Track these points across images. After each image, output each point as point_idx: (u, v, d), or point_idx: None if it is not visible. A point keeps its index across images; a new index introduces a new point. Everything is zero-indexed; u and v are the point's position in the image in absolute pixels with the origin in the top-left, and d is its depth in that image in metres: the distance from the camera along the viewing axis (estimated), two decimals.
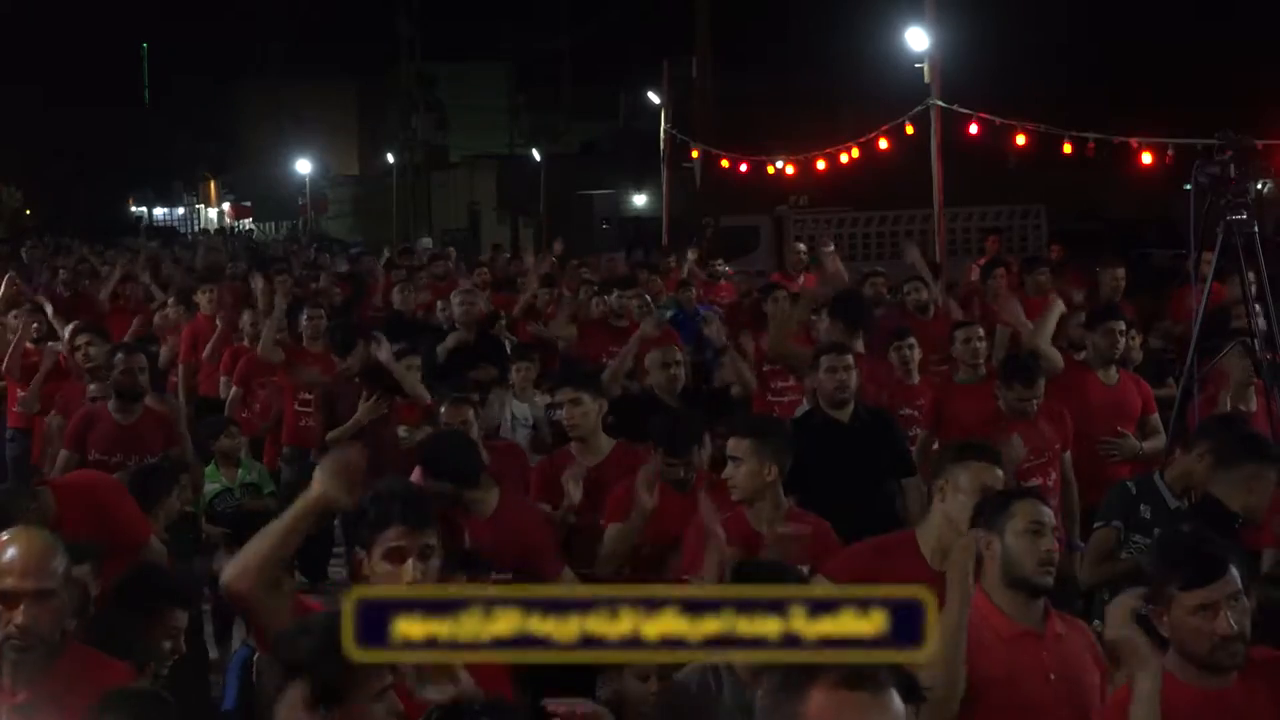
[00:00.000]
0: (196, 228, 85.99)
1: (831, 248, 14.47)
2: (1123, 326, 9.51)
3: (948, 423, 9.47)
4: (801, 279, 16.54)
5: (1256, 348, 8.90)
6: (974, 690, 4.87)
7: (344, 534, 6.97)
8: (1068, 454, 8.73)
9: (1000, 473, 5.82)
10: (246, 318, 13.56)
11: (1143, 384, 9.69)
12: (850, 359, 8.65)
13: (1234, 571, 4.53)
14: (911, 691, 3.33)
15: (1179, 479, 7.15)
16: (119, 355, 9.79)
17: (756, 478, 6.49)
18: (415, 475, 8.98)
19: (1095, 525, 7.40)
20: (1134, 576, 6.84)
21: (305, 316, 12.64)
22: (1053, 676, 4.96)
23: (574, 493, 7.52)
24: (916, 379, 10.43)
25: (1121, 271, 12.57)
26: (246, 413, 12.31)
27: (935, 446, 9.37)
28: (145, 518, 7.91)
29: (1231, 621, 4.44)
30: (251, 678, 6.55)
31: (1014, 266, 15.43)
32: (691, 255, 19.60)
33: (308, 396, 11.91)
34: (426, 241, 34.79)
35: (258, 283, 15.57)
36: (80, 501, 7.65)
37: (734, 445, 6.57)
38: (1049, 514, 5.15)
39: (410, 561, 4.63)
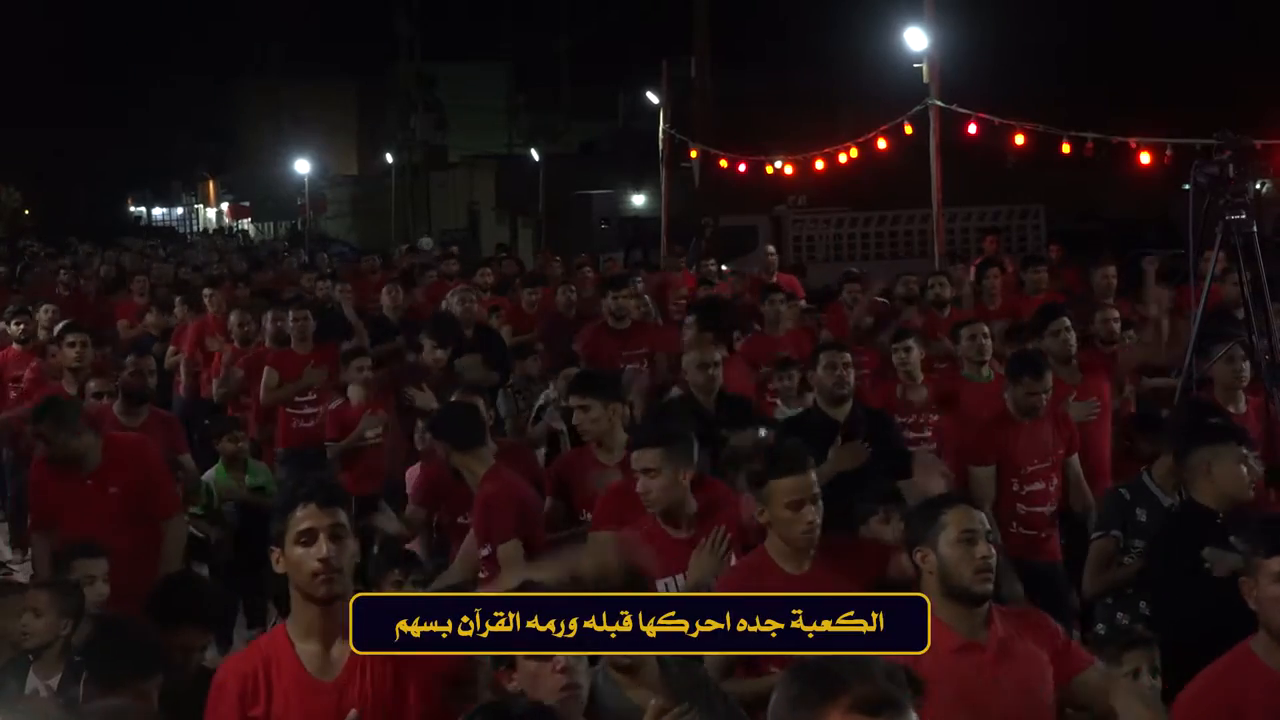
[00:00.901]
0: (196, 228, 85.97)
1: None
2: (1068, 324, 9.50)
3: (955, 419, 9.45)
4: (774, 280, 16.54)
5: (1255, 348, 8.89)
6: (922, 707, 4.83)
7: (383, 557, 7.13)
8: (1074, 457, 8.68)
9: (814, 477, 5.76)
10: (234, 318, 13.48)
11: (1108, 378, 9.68)
12: (849, 356, 8.64)
13: None
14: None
15: (1167, 477, 7.16)
16: (130, 356, 9.85)
17: (674, 487, 6.37)
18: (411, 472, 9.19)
19: (1094, 536, 7.37)
20: (1137, 582, 6.88)
21: (291, 318, 12.40)
22: (998, 682, 4.89)
23: None
24: (919, 378, 10.39)
25: (1113, 269, 12.56)
26: (245, 414, 12.27)
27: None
28: (177, 493, 8.14)
29: None
30: None
31: (1010, 266, 15.42)
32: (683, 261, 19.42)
33: (301, 399, 11.91)
34: (427, 241, 34.69)
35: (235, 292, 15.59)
36: (127, 456, 8.06)
37: (643, 457, 6.41)
38: (982, 519, 5.07)
39: (321, 539, 4.58)
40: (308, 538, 4.59)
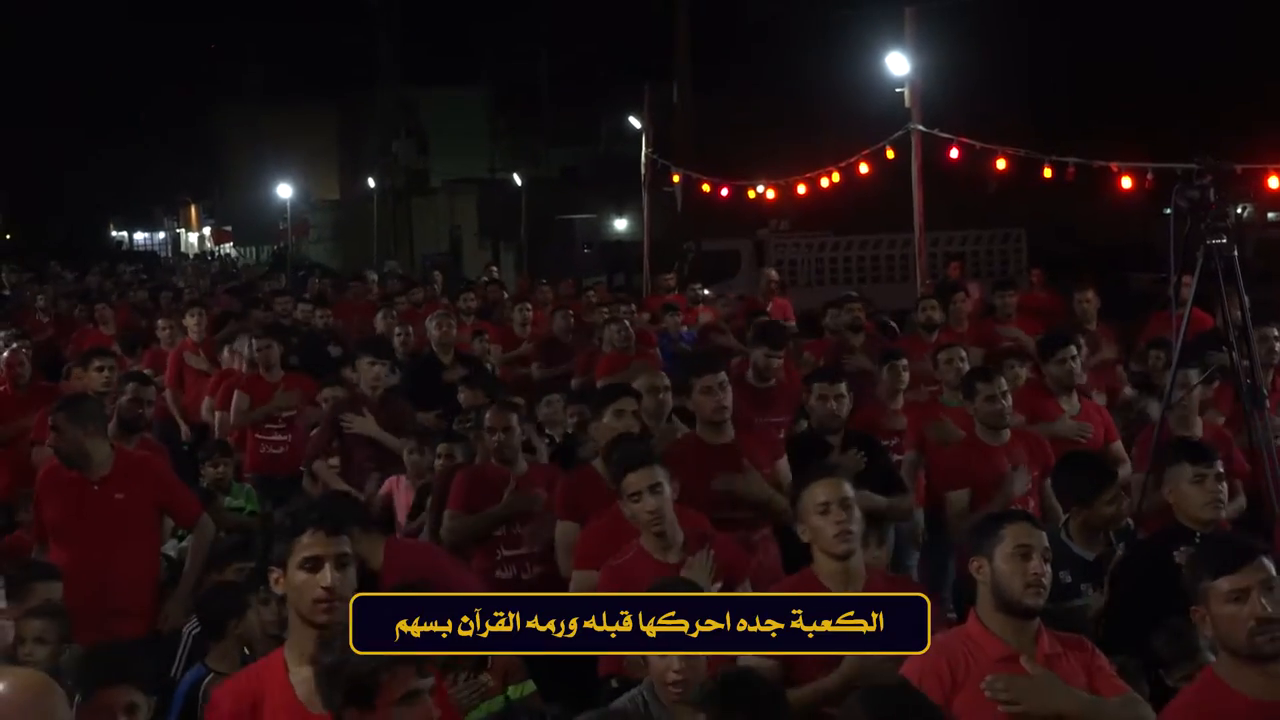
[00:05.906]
0: (177, 253, 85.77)
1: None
2: (1074, 353, 9.48)
3: (932, 445, 9.45)
4: (771, 305, 16.53)
5: (1237, 371, 8.91)
6: (962, 714, 4.88)
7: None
8: (1048, 482, 8.67)
9: (848, 487, 5.67)
10: (239, 342, 13.40)
11: (1104, 411, 9.68)
12: (843, 388, 8.63)
13: (1266, 561, 4.53)
14: None
15: (1082, 530, 7.08)
16: (130, 384, 9.80)
17: (670, 502, 6.39)
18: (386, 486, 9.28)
19: None
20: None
21: (255, 347, 12.36)
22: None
23: None
24: (900, 403, 10.34)
25: (1092, 293, 12.55)
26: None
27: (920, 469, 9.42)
28: (196, 498, 8.39)
29: (1265, 604, 4.43)
30: (198, 699, 6.47)
31: (977, 291, 15.33)
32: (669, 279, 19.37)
33: (271, 425, 11.90)
34: (393, 265, 34.68)
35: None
36: (138, 469, 8.13)
37: (653, 474, 6.36)
38: (1040, 536, 5.14)
39: (327, 567, 4.58)
40: (312, 564, 4.59)
